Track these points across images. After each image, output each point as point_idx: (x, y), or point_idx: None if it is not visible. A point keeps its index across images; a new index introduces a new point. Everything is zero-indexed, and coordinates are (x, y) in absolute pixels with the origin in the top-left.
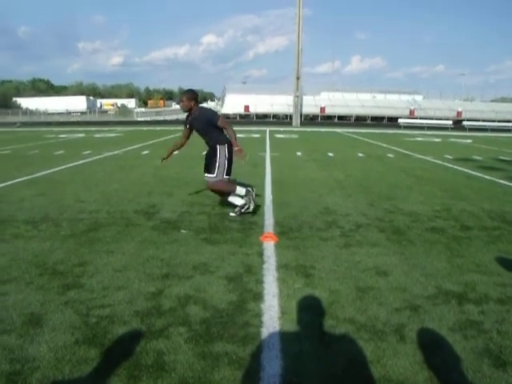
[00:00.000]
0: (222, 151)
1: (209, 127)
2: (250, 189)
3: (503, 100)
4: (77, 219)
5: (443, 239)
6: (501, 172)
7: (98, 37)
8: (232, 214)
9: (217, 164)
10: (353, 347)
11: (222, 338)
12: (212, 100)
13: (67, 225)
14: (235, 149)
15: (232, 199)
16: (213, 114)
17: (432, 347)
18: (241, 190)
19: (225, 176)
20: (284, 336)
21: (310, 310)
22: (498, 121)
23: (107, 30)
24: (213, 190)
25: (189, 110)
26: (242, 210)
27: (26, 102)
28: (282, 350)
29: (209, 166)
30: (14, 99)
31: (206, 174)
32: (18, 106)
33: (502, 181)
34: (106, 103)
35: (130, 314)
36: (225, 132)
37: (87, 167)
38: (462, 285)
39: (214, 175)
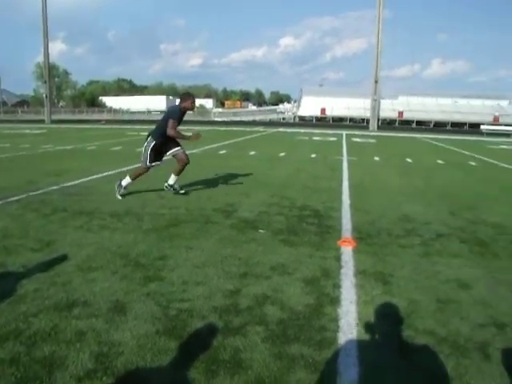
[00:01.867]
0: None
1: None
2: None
3: None
4: (158, 214)
5: None
6: None
7: (178, 39)
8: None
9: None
10: (433, 361)
11: (299, 341)
12: (288, 102)
13: (149, 219)
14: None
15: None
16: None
17: None
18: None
19: (149, 163)
20: (361, 343)
21: (388, 319)
22: None
23: (187, 33)
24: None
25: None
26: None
27: (111, 101)
28: (359, 357)
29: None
30: (100, 98)
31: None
32: (104, 105)
33: None
34: None
35: (209, 309)
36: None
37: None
38: None
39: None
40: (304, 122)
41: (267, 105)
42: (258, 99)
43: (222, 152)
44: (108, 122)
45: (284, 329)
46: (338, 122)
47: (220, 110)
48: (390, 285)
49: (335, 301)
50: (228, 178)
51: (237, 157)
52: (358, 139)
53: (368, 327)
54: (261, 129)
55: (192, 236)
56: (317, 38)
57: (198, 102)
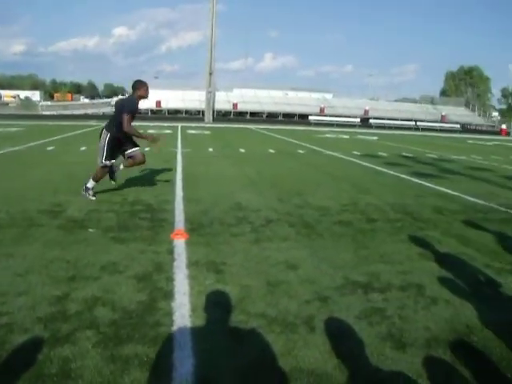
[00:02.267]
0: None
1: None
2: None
3: (405, 100)
4: None
5: (350, 232)
6: (403, 167)
7: None
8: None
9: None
10: (264, 341)
11: (132, 340)
12: (123, 95)
13: None
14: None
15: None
16: (124, 104)
17: (340, 336)
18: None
19: (104, 161)
20: (195, 334)
21: (221, 306)
22: (401, 119)
23: (4, 13)
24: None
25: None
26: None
27: None
28: (194, 347)
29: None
30: None
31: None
32: None
33: (404, 175)
34: (7, 95)
35: (32, 320)
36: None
37: None
38: (368, 275)
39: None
40: (139, 115)
41: (101, 97)
42: (91, 92)
43: (50, 148)
44: None
45: (116, 330)
46: (174, 114)
47: (49, 103)
48: (222, 273)
49: (169, 295)
50: (56, 176)
51: (66, 153)
52: (193, 131)
53: (201, 317)
54: (93, 123)
55: (13, 242)
56: (152, 29)
57: (23, 94)
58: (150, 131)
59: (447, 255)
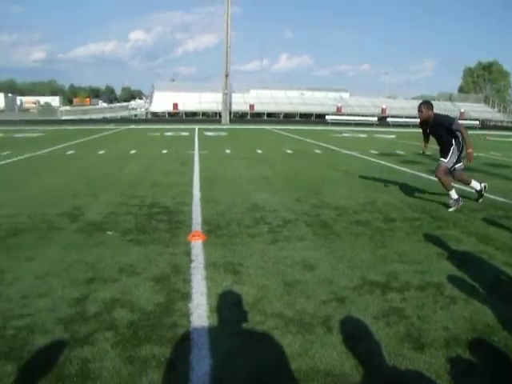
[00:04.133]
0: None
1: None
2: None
3: (423, 97)
4: None
5: (368, 231)
6: (421, 166)
7: (15, 28)
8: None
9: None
10: (281, 341)
11: (150, 341)
12: (140, 98)
13: None
14: (469, 151)
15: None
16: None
17: (357, 336)
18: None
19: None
20: (213, 334)
21: (238, 307)
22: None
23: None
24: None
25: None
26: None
27: None
28: (211, 348)
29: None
30: None
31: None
32: None
33: (422, 174)
34: (27, 101)
35: (53, 322)
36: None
37: (6, 170)
38: (386, 274)
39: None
40: (157, 117)
41: (118, 101)
42: (109, 96)
43: (69, 152)
44: None
45: (134, 331)
46: (191, 116)
47: (68, 107)
48: (239, 274)
49: (186, 296)
50: (75, 180)
51: (85, 157)
52: (210, 133)
53: (219, 318)
54: (112, 126)
55: (33, 245)
56: (168, 33)
57: (43, 99)
58: (168, 134)
59: (466, 254)
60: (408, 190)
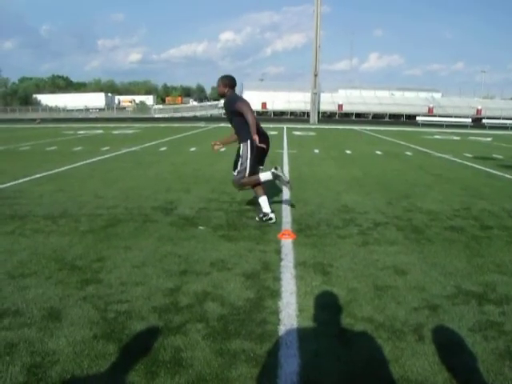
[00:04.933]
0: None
1: (232, 116)
2: (274, 171)
3: None
4: (95, 215)
5: (463, 238)
6: None
7: (116, 34)
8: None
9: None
10: (371, 346)
11: (240, 336)
12: None
13: (86, 220)
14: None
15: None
16: (234, 99)
17: (451, 348)
18: (266, 176)
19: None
20: (302, 334)
21: (327, 308)
22: None
23: (126, 28)
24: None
25: (223, 95)
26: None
27: (46, 99)
28: (300, 347)
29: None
30: (34, 96)
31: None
32: (38, 103)
33: None
34: (124, 100)
35: (148, 309)
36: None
37: (105, 163)
38: (482, 285)
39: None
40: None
41: (208, 100)
42: (200, 95)
43: (162, 149)
44: (43, 120)
45: (225, 324)
46: (279, 115)
47: (161, 106)
48: (329, 275)
49: (275, 294)
50: (168, 175)
51: (177, 153)
52: (298, 132)
53: (308, 318)
54: (202, 124)
55: (130, 235)
56: (257, 33)
57: (138, 98)
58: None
59: None
60: (507, 196)
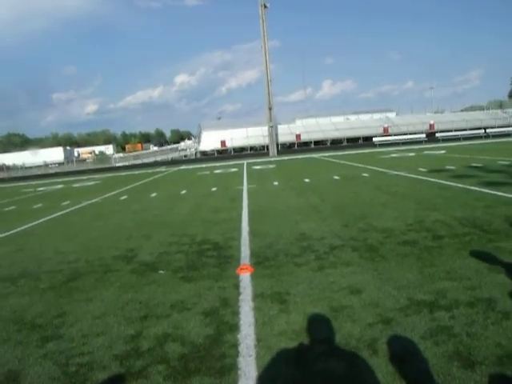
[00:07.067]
0: None
1: None
2: None
3: (472, 108)
4: (56, 271)
5: (415, 251)
6: (472, 179)
7: (70, 87)
8: None
9: None
10: (327, 367)
11: (200, 372)
12: (189, 139)
13: (46, 277)
14: None
15: None
16: None
17: (403, 357)
18: None
19: None
20: (260, 363)
21: (285, 335)
22: (469, 129)
23: (80, 80)
24: None
25: None
26: None
27: (2, 158)
28: (259, 377)
29: None
30: None
31: None
32: None
33: (473, 187)
34: (84, 152)
35: (110, 358)
36: None
37: (66, 218)
38: (434, 293)
39: None
40: (206, 156)
41: (168, 144)
42: (159, 139)
43: (123, 198)
44: (1, 180)
45: (185, 363)
46: (239, 152)
47: (121, 154)
48: (286, 303)
49: (234, 327)
50: (129, 223)
51: (138, 201)
52: (258, 166)
53: (266, 347)
54: (163, 169)
55: (92, 287)
56: (211, 73)
57: (98, 149)
58: (217, 171)
59: None
60: (458, 205)
